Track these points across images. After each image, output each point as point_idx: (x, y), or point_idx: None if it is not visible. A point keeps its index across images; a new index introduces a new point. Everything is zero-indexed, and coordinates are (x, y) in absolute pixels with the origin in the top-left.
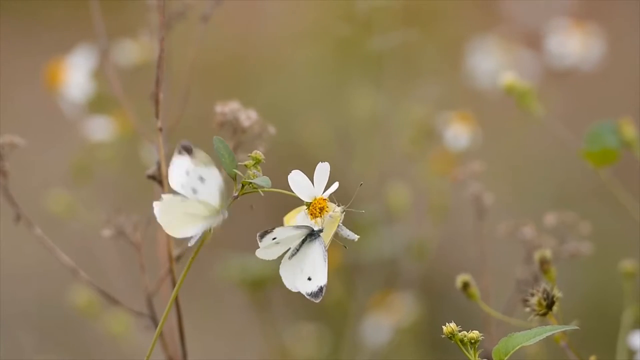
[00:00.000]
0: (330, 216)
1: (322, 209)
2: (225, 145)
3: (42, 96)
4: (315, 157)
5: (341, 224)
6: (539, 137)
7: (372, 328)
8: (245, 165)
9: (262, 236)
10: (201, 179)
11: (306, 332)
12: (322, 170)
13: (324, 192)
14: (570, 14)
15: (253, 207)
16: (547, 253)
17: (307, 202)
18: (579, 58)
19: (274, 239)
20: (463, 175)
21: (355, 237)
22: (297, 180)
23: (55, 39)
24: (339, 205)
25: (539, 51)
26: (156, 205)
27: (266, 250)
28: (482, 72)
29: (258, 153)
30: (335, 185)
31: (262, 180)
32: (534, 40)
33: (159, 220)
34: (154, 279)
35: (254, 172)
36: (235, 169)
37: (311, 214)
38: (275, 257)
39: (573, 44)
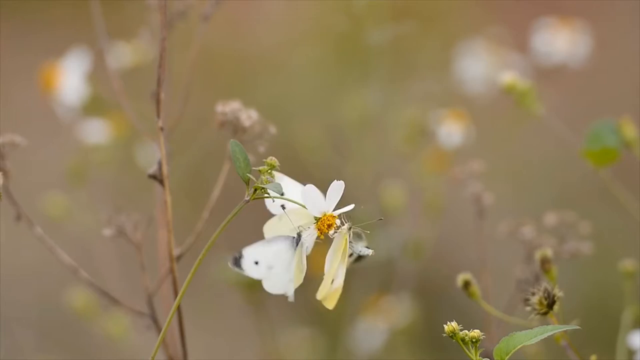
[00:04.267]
0: (337, 233)
1: (329, 226)
2: (241, 149)
3: (42, 94)
4: (312, 158)
5: (352, 241)
6: (538, 137)
7: (368, 330)
8: (259, 171)
9: (235, 264)
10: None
11: (302, 335)
12: (336, 187)
13: (335, 209)
14: (559, 11)
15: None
16: (548, 252)
17: (316, 217)
18: (566, 55)
19: (256, 262)
20: (462, 175)
21: (370, 252)
22: (309, 194)
23: (55, 38)
24: (345, 222)
25: (528, 52)
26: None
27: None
28: (472, 76)
29: (273, 159)
30: (350, 207)
31: (274, 187)
32: (523, 41)
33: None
34: (154, 279)
35: (267, 178)
36: (249, 173)
37: (318, 230)
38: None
39: (560, 42)
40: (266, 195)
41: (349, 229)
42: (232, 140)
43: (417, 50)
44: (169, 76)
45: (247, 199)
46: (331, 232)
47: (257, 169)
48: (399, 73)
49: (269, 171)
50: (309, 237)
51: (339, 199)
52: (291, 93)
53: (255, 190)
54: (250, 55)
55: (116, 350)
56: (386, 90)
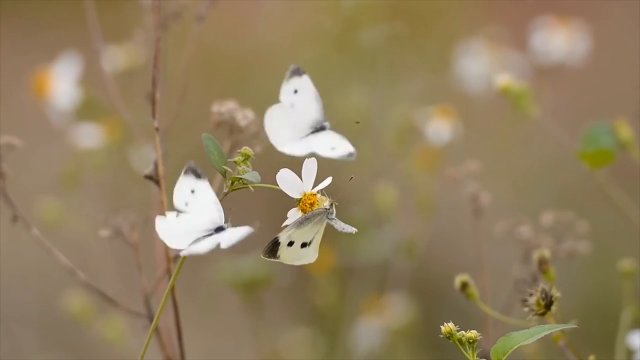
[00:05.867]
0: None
1: (312, 204)
2: (214, 142)
3: (35, 98)
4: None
5: (335, 218)
6: (537, 137)
7: (366, 330)
8: (235, 162)
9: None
10: (192, 191)
11: (299, 335)
12: (310, 165)
13: (314, 187)
14: (557, 11)
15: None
16: (546, 253)
17: (297, 199)
18: (565, 54)
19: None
20: (459, 175)
21: (353, 229)
22: (284, 178)
23: (55, 38)
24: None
25: (527, 51)
26: (159, 224)
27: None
28: (471, 75)
29: (247, 149)
30: (328, 181)
31: (251, 176)
32: (521, 40)
33: (165, 241)
34: (151, 280)
35: (244, 168)
36: (224, 165)
37: (302, 210)
38: None
39: (558, 41)
40: (244, 185)
41: (331, 204)
42: (204, 134)
43: (415, 50)
44: (165, 76)
45: (225, 191)
46: (314, 210)
47: (232, 160)
48: (397, 73)
49: (245, 161)
50: (292, 218)
51: (314, 176)
52: None
53: (233, 182)
54: (248, 55)
55: (115, 350)
56: (384, 89)
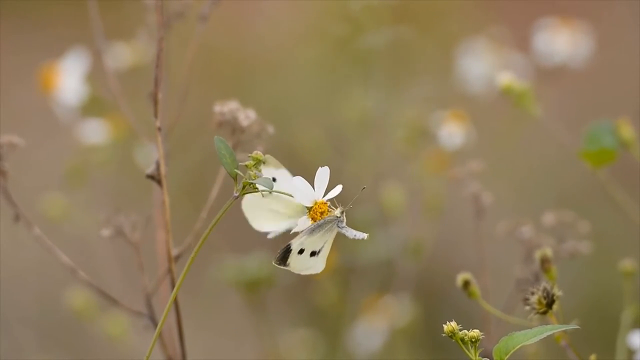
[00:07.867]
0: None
1: (322, 213)
2: (225, 145)
3: (41, 95)
4: (312, 159)
5: (346, 226)
6: (539, 137)
7: (367, 330)
8: (246, 166)
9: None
10: (274, 179)
11: (301, 335)
12: (323, 174)
13: (324, 196)
14: (559, 12)
15: None
16: (548, 252)
17: (307, 207)
18: (568, 56)
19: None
20: (461, 175)
21: (364, 235)
22: (298, 186)
23: (54, 38)
24: (337, 207)
25: (529, 52)
26: (244, 201)
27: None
28: (474, 76)
29: (259, 153)
30: (338, 189)
31: (264, 182)
32: (523, 41)
33: (246, 214)
34: (152, 279)
35: (255, 173)
36: (236, 168)
37: (312, 219)
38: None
39: (561, 42)
40: (255, 190)
41: (342, 212)
42: (216, 136)
43: (417, 50)
44: (167, 76)
45: (235, 194)
46: (326, 217)
47: (243, 164)
48: (399, 73)
49: (256, 165)
50: (303, 226)
51: (326, 185)
52: (291, 93)
53: (244, 186)
54: (250, 56)
55: (115, 350)
56: (386, 90)
